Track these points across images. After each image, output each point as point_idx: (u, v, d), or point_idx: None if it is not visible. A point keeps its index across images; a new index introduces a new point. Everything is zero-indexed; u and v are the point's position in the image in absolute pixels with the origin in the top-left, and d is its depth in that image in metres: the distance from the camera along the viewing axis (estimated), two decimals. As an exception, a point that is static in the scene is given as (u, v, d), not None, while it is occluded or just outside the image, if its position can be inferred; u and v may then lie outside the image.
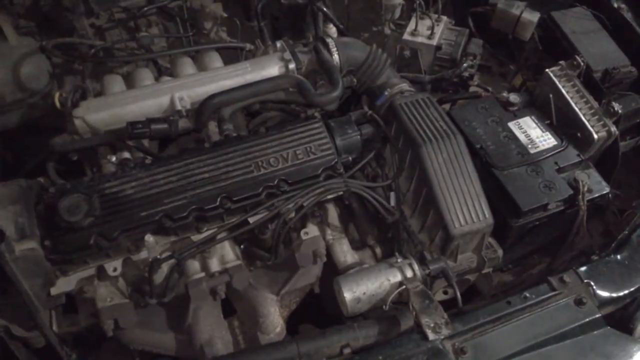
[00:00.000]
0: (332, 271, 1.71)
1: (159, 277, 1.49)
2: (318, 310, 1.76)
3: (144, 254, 1.48)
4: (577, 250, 1.68)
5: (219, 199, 1.51)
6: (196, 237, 1.55)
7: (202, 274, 1.56)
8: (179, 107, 1.65)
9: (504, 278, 1.78)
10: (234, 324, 1.62)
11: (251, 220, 1.57)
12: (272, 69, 1.77)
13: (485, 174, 1.57)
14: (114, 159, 1.63)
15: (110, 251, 1.44)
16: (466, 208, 1.51)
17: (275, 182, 1.56)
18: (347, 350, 1.35)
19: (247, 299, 1.57)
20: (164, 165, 1.53)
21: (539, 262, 1.79)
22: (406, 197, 1.70)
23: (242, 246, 1.69)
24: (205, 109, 1.63)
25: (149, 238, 1.44)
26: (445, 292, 1.78)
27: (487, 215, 1.53)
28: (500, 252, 1.61)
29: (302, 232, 1.63)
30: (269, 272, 1.64)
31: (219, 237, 1.53)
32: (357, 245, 1.81)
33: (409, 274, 1.47)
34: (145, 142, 1.72)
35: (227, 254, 1.62)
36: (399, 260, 1.49)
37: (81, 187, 1.45)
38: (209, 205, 1.50)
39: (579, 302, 1.37)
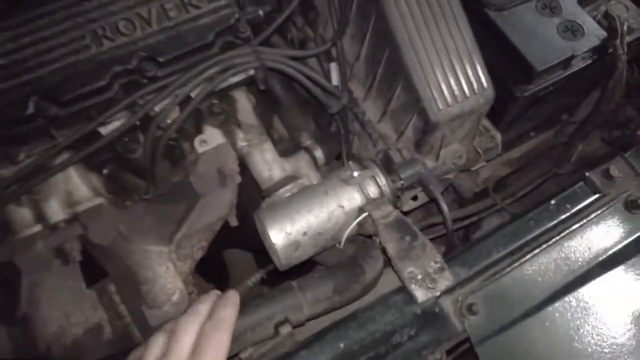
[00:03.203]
0: (257, 189, 1.14)
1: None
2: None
3: None
4: (598, 121, 1.17)
5: (31, 104, 0.84)
6: (9, 171, 0.91)
7: (37, 227, 0.95)
8: None
9: (495, 172, 1.27)
10: (108, 291, 1.04)
11: (103, 131, 0.93)
12: None
13: (474, 18, 0.97)
14: None
15: None
16: (454, 77, 0.94)
17: (133, 62, 0.90)
18: (286, 329, 0.82)
19: (118, 259, 0.98)
20: None
21: (540, 141, 1.29)
22: (356, 70, 1.09)
23: (104, 171, 1.07)
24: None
25: None
26: (415, 198, 1.27)
27: (485, 86, 0.96)
28: (498, 137, 1.08)
29: (196, 141, 1.02)
30: (152, 211, 1.04)
31: (56, 163, 0.90)
32: (286, 147, 1.22)
33: (373, 191, 0.92)
34: None
35: (76, 189, 1.00)
36: (355, 171, 0.93)
37: None
38: (18, 114, 0.84)
39: (634, 206, 0.88)
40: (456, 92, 0.94)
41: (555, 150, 1.25)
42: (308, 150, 1.17)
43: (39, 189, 0.95)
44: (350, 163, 0.93)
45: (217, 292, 0.78)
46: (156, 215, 1.04)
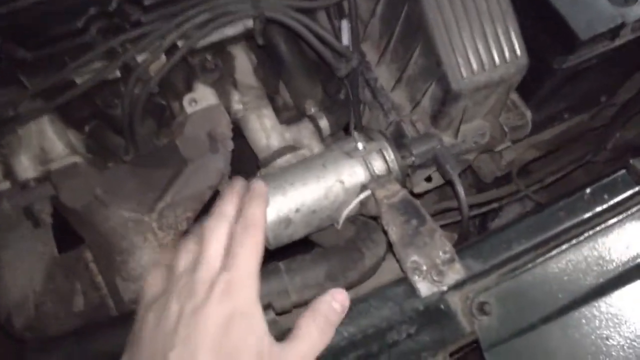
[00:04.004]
0: (252, 158, 1.04)
1: None
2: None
3: None
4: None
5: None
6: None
7: (4, 185, 0.87)
8: None
9: (522, 155, 1.13)
10: (84, 259, 0.95)
11: (80, 81, 0.82)
12: None
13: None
14: None
15: None
16: (482, 41, 0.81)
17: (114, 4, 0.79)
18: (268, 316, 0.71)
19: (93, 225, 0.88)
20: None
21: (575, 124, 1.14)
22: (370, 29, 0.97)
23: (87, 128, 0.97)
24: None
25: None
26: (429, 179, 1.15)
27: (518, 54, 0.83)
28: (528, 115, 0.95)
29: (185, 100, 0.91)
30: (135, 175, 0.94)
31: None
32: (291, 115, 1.11)
33: (378, 167, 0.80)
34: None
35: (50, 145, 0.90)
36: (360, 143, 0.81)
37: None
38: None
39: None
40: (484, 59, 0.81)
41: (590, 135, 1.11)
42: (312, 119, 1.05)
43: (7, 142, 0.86)
44: (355, 133, 0.81)
45: (241, 181, 0.69)
46: (139, 180, 0.94)
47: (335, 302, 0.62)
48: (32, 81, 0.80)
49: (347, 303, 0.63)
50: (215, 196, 1.00)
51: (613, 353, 0.70)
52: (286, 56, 1.07)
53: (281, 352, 0.58)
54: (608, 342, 0.71)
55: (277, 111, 1.12)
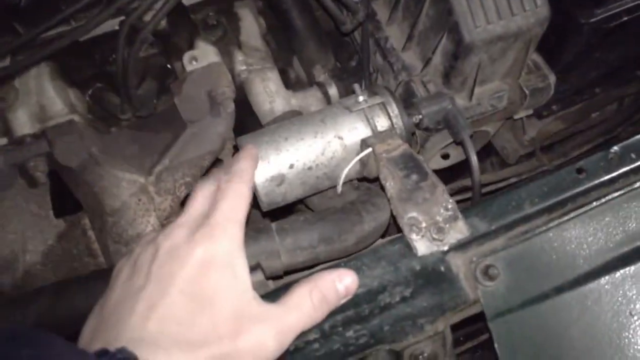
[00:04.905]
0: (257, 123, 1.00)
1: None
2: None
3: None
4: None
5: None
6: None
7: (3, 141, 0.85)
8: None
9: (546, 127, 1.05)
10: (82, 225, 0.93)
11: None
12: None
13: None
14: None
15: None
16: (497, -13, 0.74)
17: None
18: (256, 277, 0.67)
19: (87, 185, 0.85)
20: None
21: (604, 99, 1.05)
22: (380, -15, 0.91)
23: (90, 92, 0.95)
24: None
25: None
26: (445, 157, 1.08)
27: (538, 3, 0.76)
28: (552, 78, 0.87)
29: (185, 57, 0.88)
30: (136, 138, 0.92)
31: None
32: (298, 81, 1.06)
33: (381, 123, 0.75)
34: None
35: (50, 103, 0.88)
36: (361, 98, 0.75)
37: None
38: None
39: None
40: (500, 6, 0.74)
41: (623, 106, 1.02)
42: (321, 85, 1.00)
43: (4, 95, 0.84)
44: (357, 86, 0.76)
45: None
46: (139, 144, 0.91)
47: (340, 282, 0.56)
48: (26, 29, 0.78)
49: (353, 288, 0.57)
50: (216, 162, 0.97)
51: (638, 330, 0.62)
52: (297, 22, 1.02)
53: (263, 314, 0.52)
54: (633, 318, 0.63)
55: (289, 84, 1.08)
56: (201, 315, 0.49)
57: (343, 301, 0.57)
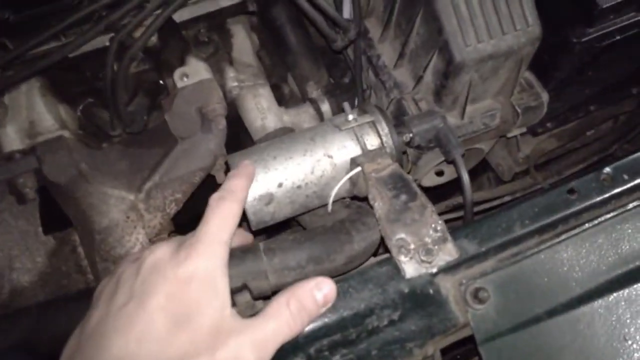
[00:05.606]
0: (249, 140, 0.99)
1: None
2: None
3: None
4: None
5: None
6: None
7: (-11, 157, 0.85)
8: None
9: (540, 145, 1.04)
10: (71, 242, 0.92)
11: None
12: None
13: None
14: None
15: None
16: (489, 5, 0.74)
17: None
18: (243, 298, 0.65)
19: (76, 201, 0.85)
20: None
21: (598, 117, 1.05)
22: (373, 2, 0.91)
23: (81, 107, 0.95)
24: None
25: None
26: (439, 173, 1.07)
27: (529, 22, 0.76)
28: (545, 96, 0.87)
29: (175, 74, 0.87)
30: (127, 155, 0.91)
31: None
32: (292, 96, 1.06)
33: (371, 142, 0.74)
34: None
35: (40, 119, 0.88)
36: (351, 116, 0.75)
37: None
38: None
39: None
40: (490, 25, 0.74)
41: (617, 123, 1.01)
42: (313, 102, 1.00)
43: (-6, 111, 0.84)
44: (346, 105, 0.75)
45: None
46: (130, 159, 0.90)
47: (318, 291, 0.57)
48: (15, 44, 0.77)
49: (332, 296, 0.57)
50: (207, 179, 0.96)
51: (632, 355, 0.61)
52: (291, 39, 1.02)
53: (240, 327, 0.53)
54: (627, 343, 0.62)
55: (284, 100, 1.07)
56: (180, 332, 0.50)
57: (322, 310, 0.57)
